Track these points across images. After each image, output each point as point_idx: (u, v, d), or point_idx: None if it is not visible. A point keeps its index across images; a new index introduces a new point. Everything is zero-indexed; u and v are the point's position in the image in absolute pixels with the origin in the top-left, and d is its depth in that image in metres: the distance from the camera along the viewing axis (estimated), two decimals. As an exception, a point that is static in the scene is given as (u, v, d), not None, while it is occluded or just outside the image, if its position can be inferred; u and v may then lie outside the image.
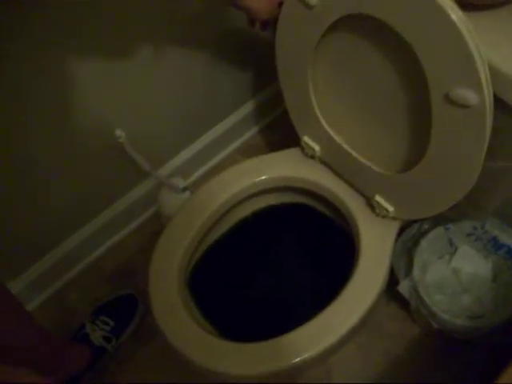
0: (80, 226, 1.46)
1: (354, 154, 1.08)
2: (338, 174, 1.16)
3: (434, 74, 0.78)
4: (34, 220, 1.32)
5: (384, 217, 1.09)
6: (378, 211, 1.09)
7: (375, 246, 1.07)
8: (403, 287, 1.21)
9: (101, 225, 1.49)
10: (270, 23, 1.03)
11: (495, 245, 1.24)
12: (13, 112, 1.08)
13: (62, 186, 1.31)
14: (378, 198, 1.08)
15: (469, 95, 0.75)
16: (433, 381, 1.28)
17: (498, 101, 0.79)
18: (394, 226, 1.10)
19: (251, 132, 1.74)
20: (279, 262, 1.22)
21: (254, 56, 1.51)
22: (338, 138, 1.10)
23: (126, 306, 1.43)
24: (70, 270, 1.51)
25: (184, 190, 1.46)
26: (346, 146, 1.09)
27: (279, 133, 1.70)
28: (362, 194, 1.13)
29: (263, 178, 1.19)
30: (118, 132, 1.27)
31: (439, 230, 1.23)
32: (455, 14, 0.71)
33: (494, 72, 0.77)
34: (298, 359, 0.95)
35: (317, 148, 1.15)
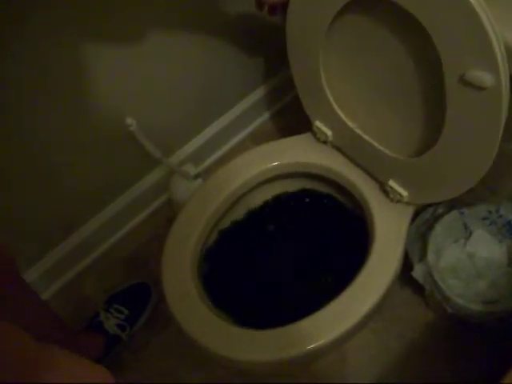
0: (93, 214, 1.46)
1: (367, 138, 1.07)
2: (351, 159, 1.15)
3: (449, 56, 0.77)
4: (48, 209, 1.32)
5: (398, 202, 1.08)
6: (391, 196, 1.08)
7: (389, 231, 1.06)
8: (417, 272, 1.20)
9: (114, 213, 1.49)
10: (278, 7, 1.02)
11: (510, 229, 1.23)
12: (26, 100, 1.08)
13: (74, 175, 1.32)
14: (391, 182, 1.07)
15: (484, 77, 0.74)
16: (447, 367, 1.28)
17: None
18: (408, 211, 1.09)
19: (262, 118, 1.73)
20: (292, 249, 1.21)
21: (264, 41, 1.50)
22: (350, 123, 1.09)
23: (140, 295, 1.44)
24: (83, 259, 1.52)
25: (196, 177, 1.46)
26: (358, 131, 1.08)
27: (290, 118, 1.69)
28: (376, 179, 1.12)
29: (275, 164, 1.18)
30: (129, 120, 1.27)
31: (454, 214, 1.23)
32: (470, -5, 0.70)
33: (511, 53, 0.75)
34: (314, 345, 0.95)
35: (329, 133, 1.15)
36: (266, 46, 1.52)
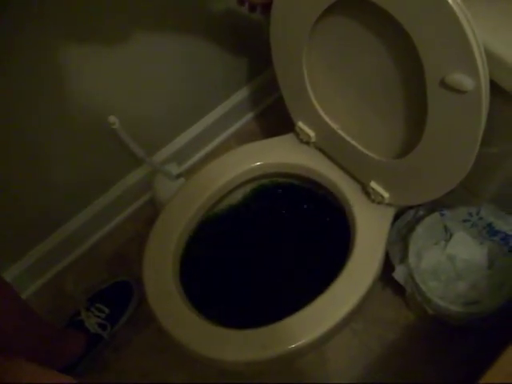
0: (75, 212, 1.45)
1: (350, 139, 1.07)
2: (334, 160, 1.15)
3: (430, 59, 0.77)
4: (31, 206, 1.31)
5: (379, 203, 1.09)
6: (373, 197, 1.09)
7: (370, 232, 1.07)
8: (398, 273, 1.21)
9: (96, 211, 1.49)
10: (258, 7, 1.03)
11: (490, 231, 1.23)
12: (10, 98, 1.08)
13: (57, 173, 1.31)
14: (373, 184, 1.07)
15: (464, 80, 0.74)
16: (427, 368, 1.29)
17: (495, 86, 0.78)
18: (390, 213, 1.10)
19: (246, 118, 1.73)
20: (273, 248, 1.21)
21: (249, 41, 1.50)
22: (333, 124, 1.09)
23: (122, 294, 1.43)
24: (65, 257, 1.51)
25: (178, 176, 1.45)
26: (341, 132, 1.08)
27: (274, 119, 1.69)
28: (358, 181, 1.12)
29: (258, 164, 1.18)
30: (112, 118, 1.26)
31: (435, 216, 1.23)
32: (451, -2, 0.70)
33: (491, 57, 0.76)
34: (295, 345, 0.95)
35: (312, 134, 1.15)
36: (250, 45, 1.52)
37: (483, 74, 0.73)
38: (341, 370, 1.32)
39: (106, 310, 1.38)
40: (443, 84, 0.77)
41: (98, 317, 1.36)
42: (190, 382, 1.33)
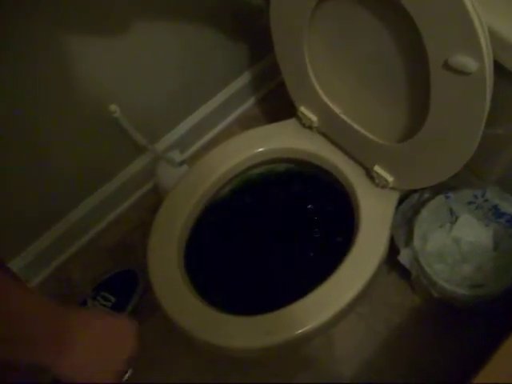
0: (79, 202, 1.45)
1: (352, 124, 1.07)
2: (337, 145, 1.15)
3: (432, 41, 0.76)
4: (34, 197, 1.32)
5: (383, 187, 1.08)
6: (377, 181, 1.08)
7: (375, 216, 1.06)
8: (404, 257, 1.20)
9: (99, 200, 1.49)
10: None
11: (496, 213, 1.23)
12: (12, 87, 1.08)
13: (59, 163, 1.31)
14: (377, 168, 1.07)
15: (468, 62, 0.73)
16: (434, 350, 1.29)
17: (499, 68, 0.78)
18: (394, 196, 1.09)
19: (248, 103, 1.72)
20: (278, 233, 1.21)
21: (249, 26, 1.49)
22: (335, 108, 1.08)
23: (127, 282, 1.43)
24: (70, 247, 1.51)
25: (181, 163, 1.45)
26: (343, 116, 1.08)
27: (276, 103, 1.68)
28: (362, 165, 1.12)
29: (261, 149, 1.18)
30: (113, 107, 1.26)
31: (440, 198, 1.23)
32: (453, -22, 0.69)
33: (495, 38, 0.75)
34: (299, 331, 0.95)
35: (314, 118, 1.14)
36: (250, 30, 1.50)
37: (487, 55, 0.72)
38: (348, 354, 1.32)
39: (112, 299, 1.38)
40: (446, 66, 0.77)
41: (105, 305, 1.36)
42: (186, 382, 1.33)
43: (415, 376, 1.27)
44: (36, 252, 1.41)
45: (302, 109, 1.15)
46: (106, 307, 1.36)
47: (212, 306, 1.02)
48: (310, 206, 1.22)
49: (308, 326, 0.96)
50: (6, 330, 0.54)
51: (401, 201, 1.18)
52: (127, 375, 0.73)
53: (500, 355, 0.69)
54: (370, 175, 1.09)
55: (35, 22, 1.01)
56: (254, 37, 1.53)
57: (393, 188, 1.08)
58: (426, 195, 1.25)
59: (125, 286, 1.42)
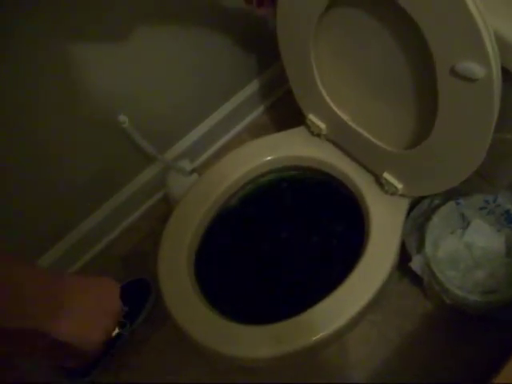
0: (90, 212, 1.46)
1: (361, 131, 1.06)
2: (346, 152, 1.14)
3: (439, 48, 0.76)
4: (46, 208, 1.32)
5: (393, 194, 1.08)
6: (386, 188, 1.08)
7: (385, 223, 1.06)
8: (415, 263, 1.20)
9: (111, 210, 1.49)
10: (265, 0, 1.01)
11: (508, 218, 1.22)
12: (23, 100, 1.08)
13: (69, 174, 1.31)
14: (386, 175, 1.06)
15: (475, 68, 0.73)
16: (446, 357, 1.28)
17: (507, 73, 0.77)
18: (404, 203, 1.09)
19: (257, 111, 1.72)
20: (288, 242, 1.20)
21: (257, 34, 1.49)
22: (343, 116, 1.08)
23: (139, 291, 1.44)
24: (81, 257, 1.52)
25: (191, 172, 1.45)
26: (351, 124, 1.07)
27: (285, 111, 1.68)
28: (371, 172, 1.11)
29: (270, 158, 1.18)
30: (122, 117, 1.26)
31: (450, 204, 1.22)
32: (459, -15, 0.69)
33: (502, 44, 0.74)
34: (312, 339, 0.95)
35: (322, 126, 1.14)
36: (258, 39, 1.51)
37: (494, 61, 0.72)
38: (361, 362, 1.31)
39: (125, 308, 1.38)
40: (453, 72, 0.76)
41: (117, 315, 1.36)
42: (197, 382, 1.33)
43: (427, 382, 1.26)
44: (48, 262, 1.42)
45: (311, 116, 1.15)
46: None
47: (222, 315, 1.02)
48: (320, 214, 1.22)
49: (319, 335, 0.95)
50: (5, 300, 0.59)
51: (411, 207, 1.17)
52: (116, 331, 0.81)
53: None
54: (380, 182, 1.09)
55: (39, 27, 1.01)
56: (262, 44, 1.53)
57: (402, 195, 1.08)
58: (437, 201, 1.24)
59: (137, 295, 1.42)
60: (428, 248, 1.18)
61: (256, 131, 1.68)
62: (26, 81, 1.06)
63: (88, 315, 0.69)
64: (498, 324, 1.24)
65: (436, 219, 1.21)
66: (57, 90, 1.13)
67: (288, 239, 1.20)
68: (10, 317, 0.61)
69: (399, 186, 1.05)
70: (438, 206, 1.22)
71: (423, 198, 1.23)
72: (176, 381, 1.34)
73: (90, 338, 0.70)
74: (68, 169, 1.30)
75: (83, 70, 1.14)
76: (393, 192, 1.07)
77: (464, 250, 1.26)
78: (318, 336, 0.95)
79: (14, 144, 1.14)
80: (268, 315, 1.00)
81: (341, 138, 1.13)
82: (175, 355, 1.37)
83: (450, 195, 1.22)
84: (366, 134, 1.06)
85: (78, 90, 1.16)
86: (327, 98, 1.08)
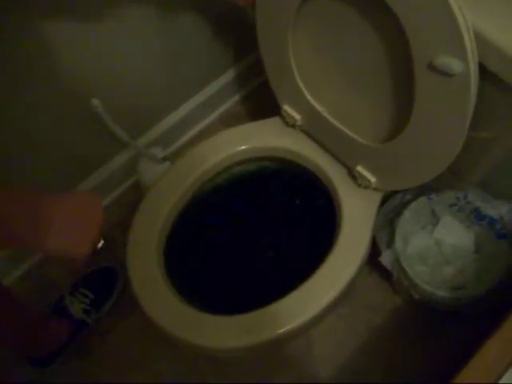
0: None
1: (336, 123, 1.06)
2: (320, 144, 1.14)
3: (418, 42, 0.76)
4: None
5: (366, 187, 1.08)
6: (359, 182, 1.08)
7: (357, 216, 1.06)
8: (385, 258, 1.20)
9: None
10: None
11: (478, 215, 1.23)
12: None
13: (39, 158, 1.30)
14: (359, 168, 1.06)
15: (453, 63, 0.73)
16: (414, 352, 1.29)
17: (484, 70, 0.77)
18: (376, 197, 1.09)
19: (231, 101, 1.71)
20: (260, 232, 1.20)
21: (234, 23, 1.48)
22: (318, 107, 1.08)
23: (106, 279, 1.42)
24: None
25: (163, 159, 1.44)
26: (327, 115, 1.07)
27: (260, 101, 1.68)
28: (344, 165, 1.11)
29: (243, 147, 1.17)
30: (95, 101, 1.24)
31: (422, 200, 1.23)
32: (440, -22, 0.68)
33: (480, 40, 0.74)
34: (281, 330, 0.95)
35: (297, 117, 1.13)
36: (235, 28, 1.50)
37: (472, 57, 0.72)
38: (328, 355, 1.32)
39: (91, 296, 1.37)
40: (431, 67, 0.76)
41: (83, 302, 1.35)
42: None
43: (395, 377, 1.27)
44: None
45: (286, 107, 1.15)
46: (85, 304, 1.34)
47: (192, 304, 1.01)
48: (292, 206, 1.22)
49: (288, 326, 0.95)
50: None
51: (383, 202, 1.17)
52: (100, 244, 0.80)
53: (479, 356, 0.69)
54: (353, 175, 1.09)
55: (8, 7, 0.99)
56: (238, 34, 1.52)
57: (375, 189, 1.08)
58: (409, 196, 1.25)
59: (104, 283, 1.41)
60: (398, 243, 1.19)
61: (230, 121, 1.67)
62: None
63: (74, 228, 0.70)
64: (468, 320, 1.26)
65: (407, 214, 1.21)
66: (32, 69, 1.11)
67: (259, 230, 1.20)
68: None
69: (372, 179, 1.05)
70: (410, 201, 1.23)
71: (395, 192, 1.24)
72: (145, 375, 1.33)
73: (77, 250, 0.71)
74: (36, 152, 1.28)
75: (56, 52, 1.13)
76: (366, 185, 1.07)
77: (434, 247, 1.27)
78: (286, 327, 0.95)
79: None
80: (238, 306, 0.99)
81: (315, 129, 1.13)
82: (143, 344, 1.36)
83: (422, 190, 1.23)
84: (341, 127, 1.05)
85: (52, 70, 1.15)
86: (304, 89, 1.07)
